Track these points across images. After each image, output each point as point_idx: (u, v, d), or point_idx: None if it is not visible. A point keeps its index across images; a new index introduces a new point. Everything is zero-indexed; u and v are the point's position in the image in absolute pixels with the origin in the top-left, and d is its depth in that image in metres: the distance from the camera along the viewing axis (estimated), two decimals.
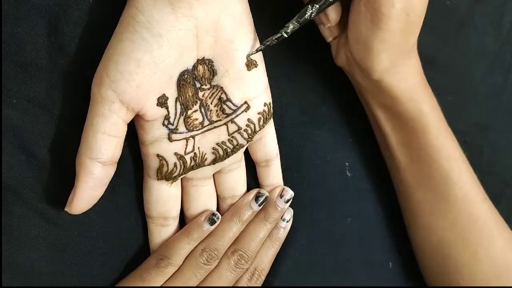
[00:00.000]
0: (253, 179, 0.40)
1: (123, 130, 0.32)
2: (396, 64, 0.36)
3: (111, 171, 0.32)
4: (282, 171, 0.41)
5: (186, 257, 0.37)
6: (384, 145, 0.43)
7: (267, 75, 0.37)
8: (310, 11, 0.34)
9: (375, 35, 0.34)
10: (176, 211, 0.37)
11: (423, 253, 0.44)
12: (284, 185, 0.41)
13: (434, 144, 0.40)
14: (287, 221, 0.41)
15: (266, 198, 0.39)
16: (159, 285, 0.36)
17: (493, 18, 0.45)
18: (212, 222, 0.37)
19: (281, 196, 0.39)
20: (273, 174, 0.40)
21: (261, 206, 0.39)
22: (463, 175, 0.41)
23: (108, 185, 0.33)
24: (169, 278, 0.37)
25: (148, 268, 0.36)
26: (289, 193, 0.40)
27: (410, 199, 0.43)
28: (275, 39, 0.34)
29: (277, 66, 0.39)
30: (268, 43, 0.34)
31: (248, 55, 0.34)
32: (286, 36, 0.34)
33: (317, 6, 0.34)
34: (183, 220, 0.39)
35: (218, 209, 0.39)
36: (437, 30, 0.36)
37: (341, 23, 0.37)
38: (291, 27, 0.34)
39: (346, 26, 0.37)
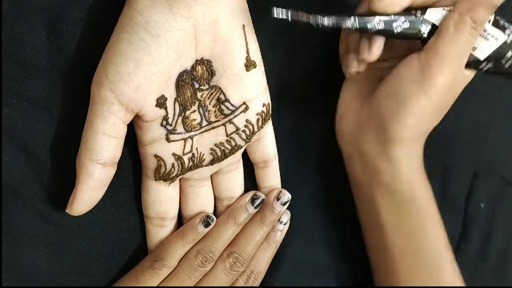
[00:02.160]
0: (251, 180, 0.40)
1: (122, 131, 0.32)
2: (413, 140, 0.36)
3: (111, 172, 0.32)
4: (282, 171, 0.41)
5: (181, 259, 0.37)
6: (374, 228, 0.39)
7: (266, 75, 0.36)
8: (351, 23, 0.33)
9: (419, 98, 0.34)
10: (173, 212, 0.37)
11: None
12: (284, 185, 0.41)
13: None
14: (284, 224, 0.40)
15: (263, 200, 0.39)
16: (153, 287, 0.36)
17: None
18: (206, 224, 0.37)
19: (278, 198, 0.39)
20: (271, 176, 0.40)
21: (257, 209, 0.39)
22: (448, 266, 0.38)
23: (108, 185, 0.33)
24: (164, 280, 0.37)
25: (142, 270, 0.37)
26: (287, 196, 0.39)
27: None
28: (306, 20, 0.31)
29: (276, 66, 0.39)
30: (298, 18, 0.31)
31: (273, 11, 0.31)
32: (314, 26, 0.32)
33: (357, 26, 0.32)
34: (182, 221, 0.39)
35: (215, 210, 0.39)
36: None
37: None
38: (326, 22, 0.32)
39: (374, 74, 0.36)
